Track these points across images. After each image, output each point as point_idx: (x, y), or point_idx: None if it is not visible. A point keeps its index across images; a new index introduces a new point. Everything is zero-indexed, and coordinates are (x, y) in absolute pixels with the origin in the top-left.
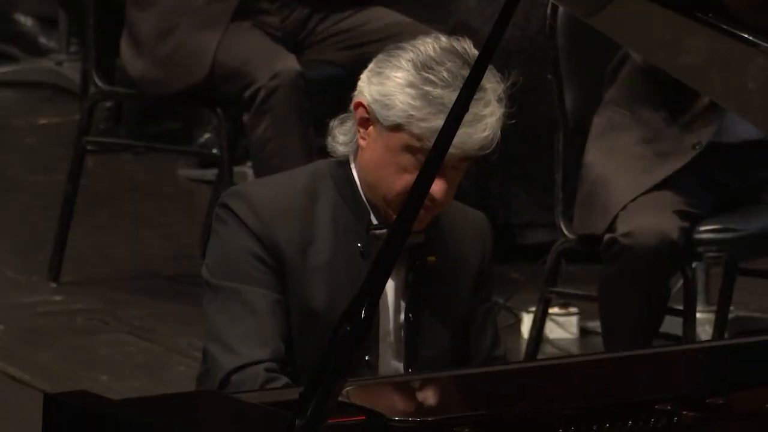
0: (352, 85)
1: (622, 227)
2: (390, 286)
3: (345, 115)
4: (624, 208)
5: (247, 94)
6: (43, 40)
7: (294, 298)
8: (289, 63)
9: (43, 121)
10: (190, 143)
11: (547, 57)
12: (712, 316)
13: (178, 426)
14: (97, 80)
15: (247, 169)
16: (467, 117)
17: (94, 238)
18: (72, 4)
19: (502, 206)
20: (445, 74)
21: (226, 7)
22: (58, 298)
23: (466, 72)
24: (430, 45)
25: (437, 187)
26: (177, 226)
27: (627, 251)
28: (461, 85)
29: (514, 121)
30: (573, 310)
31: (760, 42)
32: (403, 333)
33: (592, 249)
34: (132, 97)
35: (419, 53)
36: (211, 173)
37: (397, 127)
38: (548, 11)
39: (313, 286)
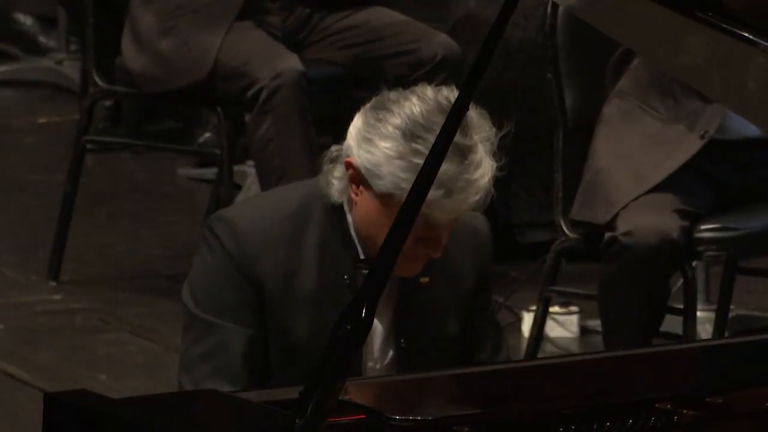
0: (352, 84)
1: (622, 226)
2: (378, 316)
3: (334, 152)
4: (626, 206)
5: (249, 94)
6: (42, 39)
7: (274, 330)
8: (291, 63)
9: (42, 121)
10: (189, 142)
11: (547, 56)
12: (712, 315)
13: (177, 425)
14: (96, 79)
15: (247, 168)
16: (460, 183)
17: (93, 238)
18: (72, 3)
19: (502, 206)
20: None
21: (230, 7)
22: (57, 297)
23: (456, 136)
24: (417, 107)
25: (432, 247)
26: (177, 225)
27: (627, 250)
28: (451, 153)
29: (504, 173)
30: (573, 309)
31: (760, 41)
32: (396, 360)
33: (591, 246)
34: (132, 96)
35: (407, 120)
36: (210, 172)
37: (388, 196)
38: (548, 10)
39: (296, 318)
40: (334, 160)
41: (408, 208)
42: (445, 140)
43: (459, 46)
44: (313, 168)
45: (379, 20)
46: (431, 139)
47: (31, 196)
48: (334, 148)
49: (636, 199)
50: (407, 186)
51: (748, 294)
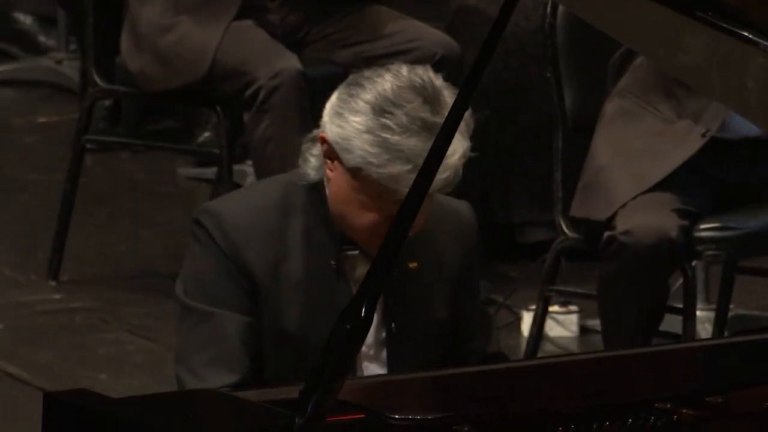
0: None
1: (620, 225)
2: None
3: (315, 132)
4: (624, 205)
5: (247, 93)
6: (42, 38)
7: (267, 318)
8: (290, 62)
9: (42, 120)
10: (189, 142)
11: (547, 55)
12: (711, 315)
13: (177, 424)
14: (96, 79)
15: (247, 167)
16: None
17: (93, 237)
18: (71, 2)
19: (502, 205)
20: (403, 119)
21: (229, 5)
22: (57, 296)
23: (426, 113)
24: (388, 83)
25: None
26: (176, 224)
27: (626, 249)
28: (419, 129)
29: (476, 154)
30: (573, 308)
31: (760, 41)
32: (386, 344)
33: (590, 246)
34: (131, 96)
35: (377, 95)
36: (210, 172)
37: (357, 170)
38: (548, 9)
39: (286, 306)
40: (314, 140)
41: (408, 206)
42: (444, 139)
43: (458, 44)
44: None
45: (378, 19)
46: (400, 115)
47: (30, 196)
48: (316, 130)
49: (635, 198)
50: (375, 160)
51: (748, 293)
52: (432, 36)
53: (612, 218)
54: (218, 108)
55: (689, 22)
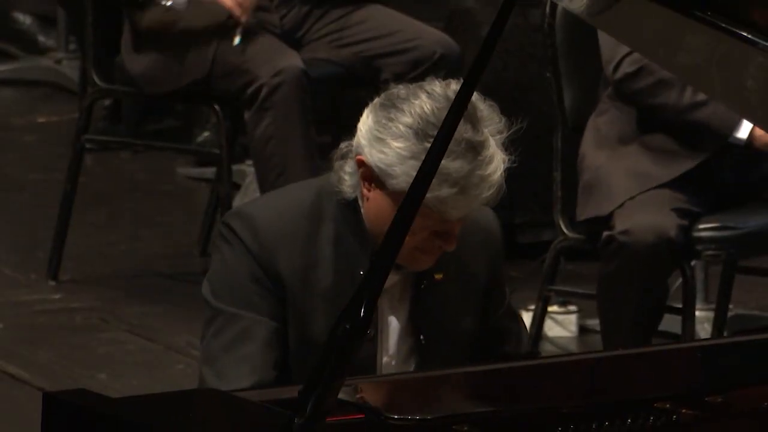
0: (351, 83)
1: (619, 224)
2: (394, 312)
3: (344, 149)
4: (621, 205)
5: (249, 91)
6: (42, 38)
7: (293, 324)
8: (293, 60)
9: (42, 120)
10: (189, 141)
11: (546, 55)
12: (711, 314)
13: (177, 424)
14: (95, 78)
15: (246, 167)
16: (473, 180)
17: (92, 237)
18: (71, 2)
19: (502, 205)
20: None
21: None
22: (57, 296)
23: (468, 133)
24: (427, 105)
25: (446, 240)
26: (176, 224)
27: (625, 249)
28: (464, 150)
29: (516, 164)
30: (572, 308)
31: (759, 41)
32: (415, 356)
33: (590, 245)
34: (130, 96)
35: (418, 120)
36: (210, 171)
37: (402, 194)
38: (547, 9)
39: (313, 313)
40: (344, 156)
41: (406, 209)
42: (443, 141)
43: (457, 44)
44: (313, 167)
45: (377, 18)
46: None
47: (30, 196)
48: (343, 144)
49: (633, 197)
50: None
51: (747, 293)
52: (431, 35)
53: (611, 217)
54: (218, 107)
55: (689, 22)
